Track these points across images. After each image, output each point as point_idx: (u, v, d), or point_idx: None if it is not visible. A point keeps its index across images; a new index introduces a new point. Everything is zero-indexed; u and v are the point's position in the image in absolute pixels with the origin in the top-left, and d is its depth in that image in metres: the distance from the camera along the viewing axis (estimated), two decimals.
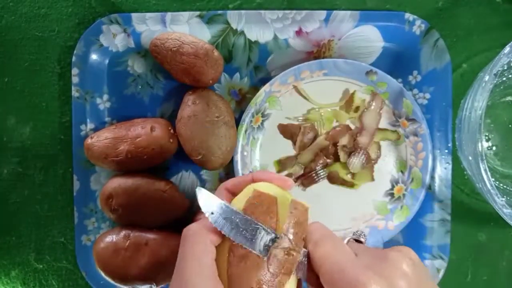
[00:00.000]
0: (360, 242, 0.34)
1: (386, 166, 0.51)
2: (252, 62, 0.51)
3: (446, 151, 0.50)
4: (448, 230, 0.50)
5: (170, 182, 0.49)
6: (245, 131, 0.50)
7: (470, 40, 0.51)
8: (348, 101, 0.51)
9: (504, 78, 0.49)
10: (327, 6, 0.50)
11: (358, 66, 0.49)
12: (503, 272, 0.52)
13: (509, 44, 0.40)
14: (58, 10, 0.52)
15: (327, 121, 0.51)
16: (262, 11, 0.50)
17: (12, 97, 0.52)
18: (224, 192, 0.37)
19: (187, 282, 0.30)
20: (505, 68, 0.47)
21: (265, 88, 0.49)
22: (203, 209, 0.32)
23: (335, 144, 0.51)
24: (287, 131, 0.51)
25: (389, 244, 0.50)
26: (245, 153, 0.50)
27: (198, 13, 0.50)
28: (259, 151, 0.51)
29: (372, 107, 0.50)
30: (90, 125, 0.51)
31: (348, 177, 0.51)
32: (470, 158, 0.43)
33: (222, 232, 0.31)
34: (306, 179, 0.51)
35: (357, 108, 0.51)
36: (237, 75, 0.51)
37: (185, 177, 0.52)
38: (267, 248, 0.31)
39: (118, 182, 0.47)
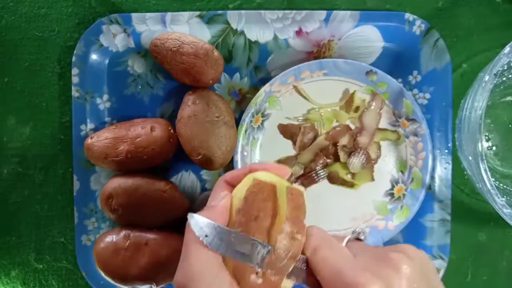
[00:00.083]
0: (360, 240, 0.34)
1: (386, 166, 0.51)
2: (252, 62, 0.51)
3: (446, 151, 0.50)
4: (448, 230, 0.50)
5: (170, 182, 0.49)
6: (245, 131, 0.50)
7: (470, 40, 0.51)
8: (348, 101, 0.51)
9: (504, 78, 0.49)
10: (327, 6, 0.50)
11: (358, 66, 0.49)
12: (503, 272, 0.52)
13: (509, 44, 0.40)
14: (58, 10, 0.52)
15: (327, 121, 0.51)
16: (262, 11, 0.50)
17: (12, 97, 0.52)
18: (224, 184, 0.37)
19: (193, 268, 0.30)
20: (505, 68, 0.47)
21: (265, 88, 0.49)
22: (197, 234, 0.32)
23: (335, 144, 0.51)
24: (287, 131, 0.51)
25: (389, 244, 0.50)
26: (245, 153, 0.50)
27: (198, 13, 0.50)
28: (259, 151, 0.51)
29: (372, 107, 0.50)
30: (90, 125, 0.51)
31: (348, 177, 0.51)
32: (470, 158, 0.43)
33: (218, 253, 0.32)
34: (306, 179, 0.51)
35: (357, 108, 0.51)
36: (237, 75, 0.51)
37: (185, 177, 0.52)
38: (263, 260, 0.31)
39: (118, 182, 0.47)
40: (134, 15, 0.50)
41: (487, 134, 0.51)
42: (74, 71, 0.50)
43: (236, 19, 0.50)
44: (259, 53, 0.51)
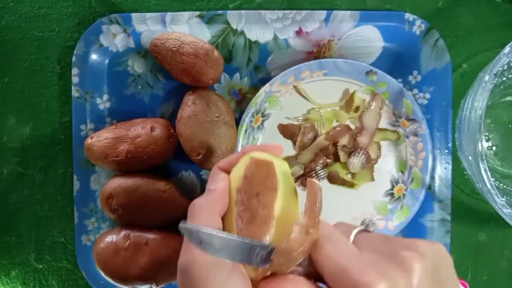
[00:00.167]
0: (369, 231, 0.34)
1: (386, 166, 0.51)
2: (252, 62, 0.51)
3: (446, 151, 0.50)
4: (448, 230, 0.50)
5: (170, 182, 0.49)
6: (245, 131, 0.50)
7: (470, 40, 0.51)
8: (348, 101, 0.51)
9: (504, 78, 0.49)
10: (327, 6, 0.50)
11: (358, 66, 0.49)
12: (503, 272, 0.52)
13: (509, 44, 0.40)
14: (58, 10, 0.52)
15: (327, 121, 0.51)
16: (262, 11, 0.50)
17: (12, 97, 0.52)
18: (218, 171, 0.36)
19: (193, 254, 0.30)
20: (505, 68, 0.47)
21: (265, 88, 0.49)
22: (190, 241, 0.32)
23: (335, 144, 0.51)
24: (287, 131, 0.51)
25: None
26: None
27: (198, 13, 0.50)
28: None
29: (372, 107, 0.50)
30: (90, 125, 0.51)
31: (348, 177, 0.51)
32: (470, 158, 0.43)
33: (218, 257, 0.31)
34: (306, 179, 0.51)
35: (357, 108, 0.51)
36: (237, 75, 0.51)
37: (185, 177, 0.52)
38: (264, 258, 0.30)
39: (118, 182, 0.47)
40: (134, 15, 0.50)
41: (487, 134, 0.51)
42: (74, 71, 0.50)
43: (236, 19, 0.50)
44: (259, 53, 0.51)
